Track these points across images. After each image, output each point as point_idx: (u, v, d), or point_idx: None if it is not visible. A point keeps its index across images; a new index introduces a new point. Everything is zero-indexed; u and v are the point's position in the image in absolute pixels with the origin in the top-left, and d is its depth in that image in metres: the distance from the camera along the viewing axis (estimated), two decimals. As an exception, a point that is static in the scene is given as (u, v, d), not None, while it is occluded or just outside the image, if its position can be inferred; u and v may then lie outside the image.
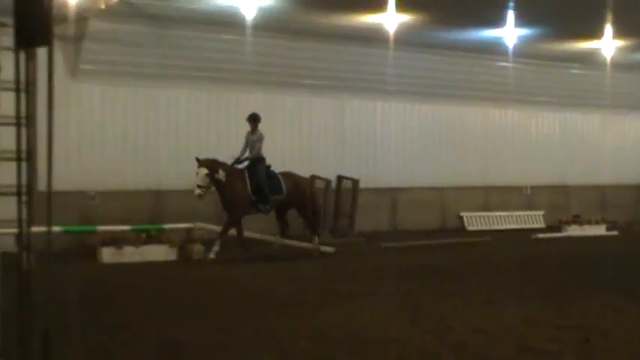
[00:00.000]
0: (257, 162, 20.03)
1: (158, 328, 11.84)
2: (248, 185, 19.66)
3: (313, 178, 22.02)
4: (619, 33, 22.88)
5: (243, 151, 20.15)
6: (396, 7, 19.25)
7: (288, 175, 20.59)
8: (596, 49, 24.91)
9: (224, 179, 19.28)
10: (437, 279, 16.99)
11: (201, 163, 19.11)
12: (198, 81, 23.04)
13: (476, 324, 12.28)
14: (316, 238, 20.98)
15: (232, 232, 19.88)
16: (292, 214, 21.07)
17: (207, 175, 19.00)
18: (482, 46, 24.47)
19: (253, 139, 20.13)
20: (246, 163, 20.09)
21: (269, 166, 20.33)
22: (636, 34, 23.29)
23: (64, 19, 17.97)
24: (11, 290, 3.81)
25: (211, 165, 19.18)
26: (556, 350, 10.66)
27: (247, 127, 21.72)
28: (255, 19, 19.42)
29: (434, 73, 26.23)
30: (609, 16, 20.92)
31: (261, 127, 23.22)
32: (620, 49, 25.06)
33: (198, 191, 18.97)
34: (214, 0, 18.90)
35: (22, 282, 4.53)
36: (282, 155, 24.65)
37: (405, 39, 22.17)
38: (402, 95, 26.59)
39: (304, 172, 24.51)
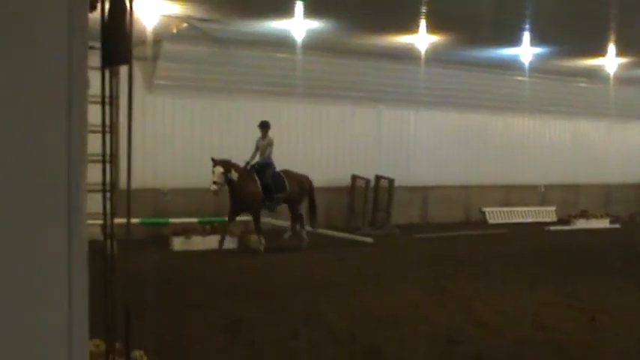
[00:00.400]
0: (266, 166, 19.50)
1: (221, 306, 11.92)
2: (259, 185, 19.10)
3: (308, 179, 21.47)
4: (621, 51, 22.80)
5: (254, 156, 19.58)
6: (427, 29, 19.25)
7: (288, 174, 20.01)
8: (601, 65, 24.80)
9: (236, 179, 18.64)
10: (462, 265, 16.95)
11: (217, 162, 18.50)
12: (254, 94, 23.13)
13: (496, 305, 12.27)
14: (305, 230, 20.27)
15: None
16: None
17: (222, 173, 18.41)
18: (502, 62, 24.37)
19: (264, 144, 19.58)
20: (256, 166, 19.52)
21: (274, 168, 19.77)
22: (636, 52, 23.13)
23: (142, 42, 18.16)
24: (97, 272, 3.87)
25: (225, 165, 18.61)
26: (566, 327, 10.63)
27: (297, 132, 21.84)
28: (304, 40, 19.48)
29: (459, 86, 26.16)
30: (612, 37, 20.86)
31: (310, 133, 23.32)
32: (622, 66, 24.92)
33: (214, 187, 18.28)
34: (269, 24, 18.97)
35: (106, 265, 4.59)
36: (328, 158, 24.72)
37: (434, 57, 22.14)
38: (432, 105, 26.54)
39: (347, 172, 24.64)
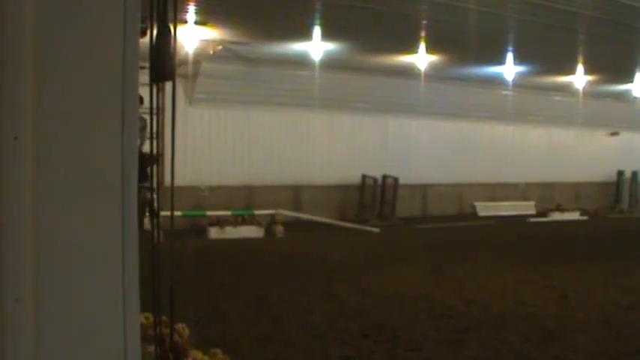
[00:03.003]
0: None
1: (250, 285, 11.96)
2: None
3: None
4: (588, 71, 22.87)
5: None
6: (426, 50, 19.23)
7: None
8: (571, 82, 24.78)
9: None
10: (456, 251, 16.93)
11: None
12: (278, 105, 23.15)
13: (484, 284, 12.25)
14: None
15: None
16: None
17: None
18: (489, 78, 24.30)
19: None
20: None
21: None
22: (600, 72, 23.19)
23: (184, 61, 18.24)
24: (146, 257, 3.91)
25: None
26: (542, 303, 10.63)
27: (315, 138, 21.66)
28: (321, 59, 19.49)
29: (454, 98, 26.10)
30: (580, 59, 20.91)
31: (327, 139, 23.14)
32: (589, 83, 24.95)
33: None
34: (291, 46, 18.98)
35: (153, 251, 4.62)
36: (341, 160, 24.70)
37: (433, 73, 22.11)
38: (431, 115, 26.47)
39: (358, 172, 24.62)
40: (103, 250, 2.54)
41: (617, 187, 31.93)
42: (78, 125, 2.50)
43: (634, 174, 31.68)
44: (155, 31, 3.70)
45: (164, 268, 4.82)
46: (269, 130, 23.54)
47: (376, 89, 24.52)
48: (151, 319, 5.16)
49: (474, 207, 28.23)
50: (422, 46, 18.85)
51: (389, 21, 15.99)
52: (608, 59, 20.68)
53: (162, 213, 5.10)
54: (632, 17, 15.37)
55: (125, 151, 2.58)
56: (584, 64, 21.82)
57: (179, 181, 7.35)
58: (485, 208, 28.36)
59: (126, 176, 2.58)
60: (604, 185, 31.87)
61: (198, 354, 6.23)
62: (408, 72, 21.87)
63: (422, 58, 20.10)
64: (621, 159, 31.75)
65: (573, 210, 28.67)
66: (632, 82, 25.56)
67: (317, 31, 17.25)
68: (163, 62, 3.75)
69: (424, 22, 16.39)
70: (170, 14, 3.84)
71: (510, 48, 19.52)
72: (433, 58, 20.30)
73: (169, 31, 3.84)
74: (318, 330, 8.88)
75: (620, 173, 31.78)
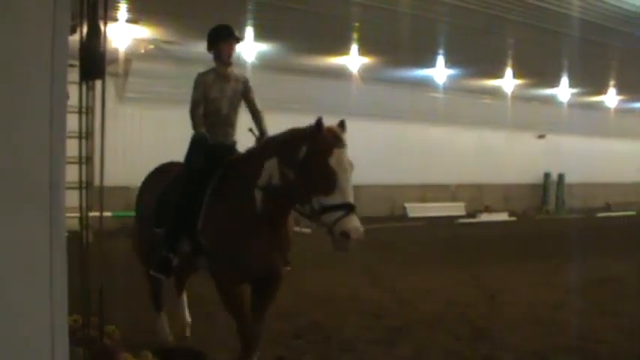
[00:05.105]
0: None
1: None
2: None
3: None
4: (516, 74, 23.35)
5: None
6: (358, 52, 19.36)
7: None
8: (500, 85, 25.24)
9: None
10: (388, 252, 17.03)
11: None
12: (212, 106, 23.01)
13: (415, 285, 12.37)
14: None
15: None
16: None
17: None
18: (420, 81, 24.59)
19: (233, 88, 7.95)
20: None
21: None
22: (528, 76, 23.70)
23: (114, 60, 17.97)
24: (75, 258, 3.83)
25: None
26: (473, 303, 10.79)
27: (246, 140, 21.64)
28: (254, 60, 19.42)
29: (385, 100, 26.28)
30: (509, 62, 21.33)
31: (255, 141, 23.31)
32: (517, 86, 25.48)
33: None
34: (224, 46, 18.88)
35: (82, 253, 4.53)
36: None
37: (365, 75, 22.24)
38: (362, 116, 26.53)
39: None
40: (29, 252, 2.48)
41: (544, 189, 32.67)
42: (3, 125, 2.44)
43: (560, 176, 32.46)
44: (85, 29, 3.64)
45: (94, 269, 4.73)
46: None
47: (309, 90, 24.53)
48: (80, 321, 5.07)
49: (405, 208, 28.45)
50: (354, 47, 18.97)
51: (321, 22, 16.04)
52: (535, 64, 21.15)
53: (91, 214, 5.02)
54: (557, 23, 15.75)
55: (54, 150, 2.53)
56: (513, 68, 22.29)
57: (109, 182, 7.26)
58: (416, 209, 28.62)
59: (54, 177, 2.52)
60: (531, 187, 32.56)
61: (129, 356, 6.14)
62: (341, 73, 21.96)
63: (354, 60, 20.22)
64: (548, 161, 32.49)
65: (502, 211, 29.22)
66: (558, 86, 26.20)
67: (249, 31, 17.18)
68: (93, 60, 3.69)
69: (356, 24, 16.49)
70: (101, 12, 3.78)
71: (441, 51, 19.79)
72: (365, 60, 20.43)
73: (99, 29, 3.78)
74: (250, 331, 8.81)
75: (547, 175, 32.53)
